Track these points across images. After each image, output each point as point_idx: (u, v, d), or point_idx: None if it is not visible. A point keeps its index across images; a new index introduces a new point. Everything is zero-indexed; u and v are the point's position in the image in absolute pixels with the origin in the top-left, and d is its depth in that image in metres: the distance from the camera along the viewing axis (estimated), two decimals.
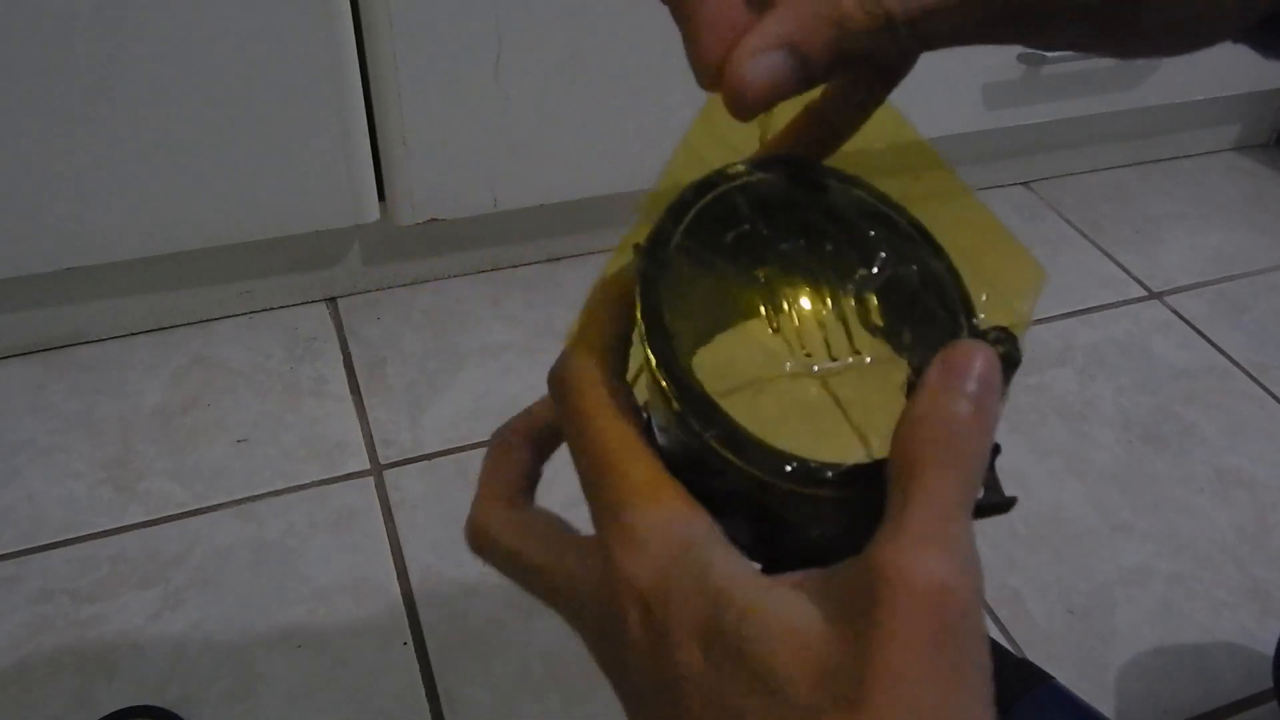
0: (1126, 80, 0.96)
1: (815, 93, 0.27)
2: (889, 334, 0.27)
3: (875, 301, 0.27)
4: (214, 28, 0.64)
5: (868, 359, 0.26)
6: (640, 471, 0.24)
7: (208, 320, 0.83)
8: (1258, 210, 1.06)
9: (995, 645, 0.60)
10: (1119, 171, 1.11)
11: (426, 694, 0.59)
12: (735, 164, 0.28)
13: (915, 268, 0.27)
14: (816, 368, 0.26)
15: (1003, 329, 0.25)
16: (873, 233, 0.27)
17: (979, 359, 0.23)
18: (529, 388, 0.79)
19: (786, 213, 0.27)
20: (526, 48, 0.72)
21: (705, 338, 0.27)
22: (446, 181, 0.78)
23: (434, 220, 0.80)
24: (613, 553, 0.24)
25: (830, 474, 0.23)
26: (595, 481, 0.25)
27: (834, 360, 0.26)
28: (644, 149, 0.80)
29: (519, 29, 0.71)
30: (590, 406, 0.26)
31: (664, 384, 0.24)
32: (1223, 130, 1.14)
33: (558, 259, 0.92)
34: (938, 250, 0.27)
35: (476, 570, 0.66)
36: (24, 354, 0.79)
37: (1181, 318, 0.92)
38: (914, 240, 0.28)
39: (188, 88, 0.66)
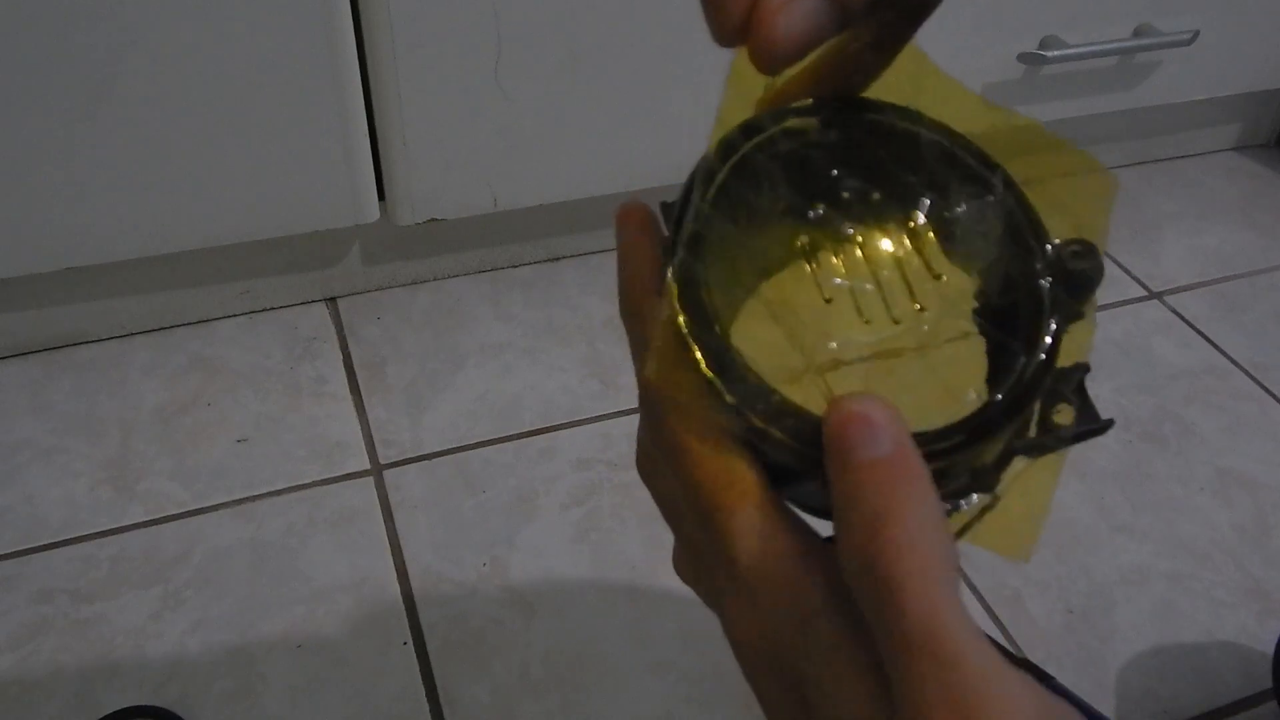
0: (1126, 80, 0.96)
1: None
2: (954, 279, 0.25)
3: (936, 247, 0.25)
4: (214, 28, 0.64)
5: (929, 318, 0.25)
6: (750, 516, 0.23)
7: (208, 320, 0.84)
8: (1258, 210, 1.06)
9: (994, 645, 0.60)
10: (1119, 171, 1.11)
11: (426, 694, 0.59)
12: (761, 115, 0.26)
13: (976, 200, 0.25)
14: (871, 339, 0.25)
15: (1081, 241, 0.24)
16: (927, 170, 0.25)
17: (860, 419, 0.21)
18: (529, 387, 0.79)
19: (825, 162, 0.25)
20: (526, 48, 0.72)
21: (753, 314, 0.25)
22: (446, 181, 0.78)
23: (434, 220, 0.80)
24: (733, 610, 0.23)
25: None
26: (701, 519, 0.24)
27: (897, 324, 0.25)
28: (644, 149, 0.80)
29: (519, 29, 0.71)
30: (687, 431, 0.24)
31: (709, 373, 0.23)
32: (1223, 130, 1.14)
33: (558, 259, 0.92)
34: (999, 174, 0.25)
35: (476, 570, 0.66)
36: (24, 354, 0.79)
37: (1181, 318, 0.92)
38: (971, 169, 0.25)
39: (188, 88, 0.66)
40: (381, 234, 0.85)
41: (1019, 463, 0.24)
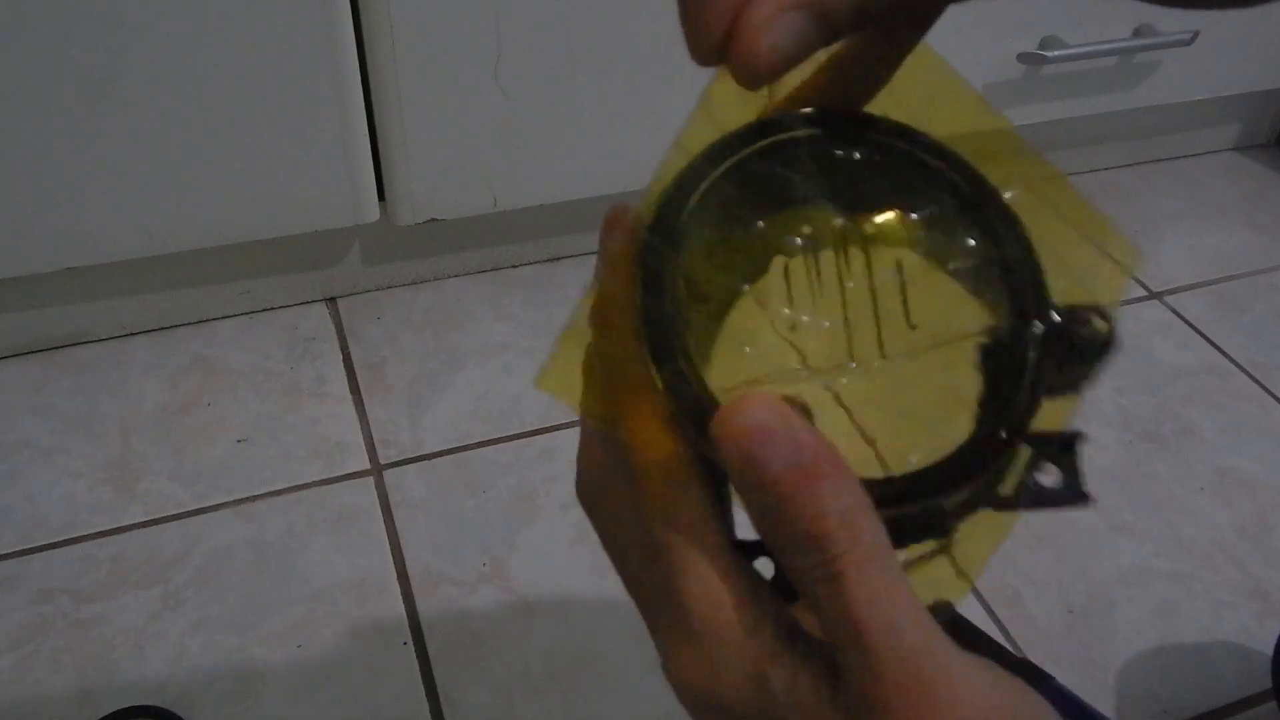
0: (1126, 80, 0.96)
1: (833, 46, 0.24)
2: (933, 329, 0.23)
3: (918, 292, 0.23)
4: (214, 27, 0.64)
5: (892, 363, 0.23)
6: (699, 563, 0.22)
7: (208, 320, 0.84)
8: (1258, 210, 1.06)
9: (995, 645, 0.60)
10: (1119, 171, 1.11)
11: (426, 694, 0.59)
12: (754, 124, 0.24)
13: (976, 244, 0.23)
14: (825, 383, 0.23)
15: (1098, 309, 0.22)
16: (926, 202, 0.23)
17: (747, 426, 0.20)
18: (529, 388, 0.79)
19: (815, 183, 0.24)
20: (526, 48, 0.72)
21: (715, 338, 0.24)
22: (446, 181, 0.78)
23: (434, 220, 0.80)
24: (682, 656, 0.23)
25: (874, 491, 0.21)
26: (648, 558, 0.23)
27: (854, 363, 0.23)
28: (644, 149, 0.80)
29: (519, 29, 0.71)
30: (641, 467, 0.23)
31: (672, 410, 0.22)
32: (1223, 130, 1.14)
33: (558, 259, 0.92)
34: (1009, 218, 0.23)
35: (476, 570, 0.66)
36: (24, 354, 0.79)
37: (1181, 318, 0.92)
38: (977, 209, 0.23)
39: (188, 88, 0.66)
40: (381, 234, 0.85)
41: (983, 514, 0.23)
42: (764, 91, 0.23)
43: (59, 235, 0.70)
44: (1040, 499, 0.23)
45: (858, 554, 0.20)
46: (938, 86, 0.25)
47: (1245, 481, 0.76)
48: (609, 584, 0.65)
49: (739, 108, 0.24)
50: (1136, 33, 0.91)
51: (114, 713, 0.57)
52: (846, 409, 0.24)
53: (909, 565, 0.24)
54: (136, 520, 0.68)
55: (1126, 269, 0.24)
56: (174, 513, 0.68)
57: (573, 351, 0.25)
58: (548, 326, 0.85)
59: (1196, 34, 0.91)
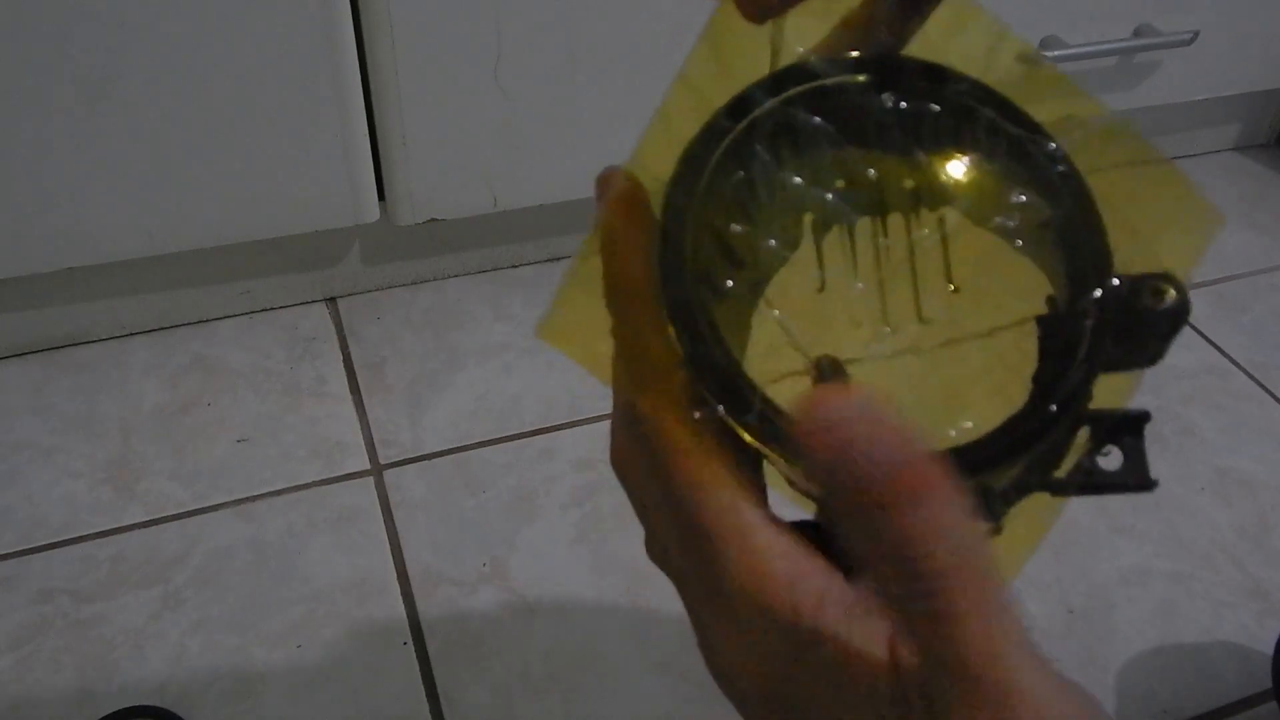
0: (1126, 80, 0.96)
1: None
2: (976, 293, 0.21)
3: (962, 252, 0.21)
4: (214, 27, 0.64)
5: (931, 329, 0.21)
6: (738, 544, 0.21)
7: (208, 320, 0.84)
8: (1258, 210, 1.06)
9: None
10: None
11: (426, 694, 0.59)
12: (774, 74, 0.22)
13: (1027, 200, 0.21)
14: (859, 344, 0.21)
15: (1169, 278, 0.20)
16: (970, 154, 0.21)
17: (834, 407, 0.17)
18: (529, 388, 0.79)
19: (846, 134, 0.21)
20: (526, 48, 0.72)
21: (750, 308, 0.22)
22: (446, 181, 0.78)
23: (434, 220, 0.80)
24: (722, 637, 0.22)
25: None
26: (685, 537, 0.22)
27: (889, 328, 0.21)
28: None
29: (519, 29, 0.71)
30: (675, 443, 0.22)
31: (701, 380, 0.21)
32: (1223, 130, 1.14)
33: (558, 259, 0.92)
34: (1065, 172, 0.20)
35: (476, 570, 0.66)
36: (24, 354, 0.79)
37: None
38: (1036, 165, 0.21)
39: (187, 87, 0.66)
40: (381, 234, 0.85)
41: (1038, 497, 0.21)
42: (769, 25, 0.22)
43: (59, 235, 0.70)
44: (1099, 482, 0.21)
45: (973, 596, 0.18)
46: (979, 37, 0.22)
47: (1245, 481, 0.76)
48: (609, 584, 0.65)
49: (743, 40, 0.22)
50: (1136, 33, 0.91)
51: (114, 713, 0.57)
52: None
53: None
54: (136, 520, 0.68)
55: (1204, 234, 0.21)
56: (174, 513, 0.68)
57: (576, 300, 0.24)
58: None
59: (1196, 34, 0.91)
